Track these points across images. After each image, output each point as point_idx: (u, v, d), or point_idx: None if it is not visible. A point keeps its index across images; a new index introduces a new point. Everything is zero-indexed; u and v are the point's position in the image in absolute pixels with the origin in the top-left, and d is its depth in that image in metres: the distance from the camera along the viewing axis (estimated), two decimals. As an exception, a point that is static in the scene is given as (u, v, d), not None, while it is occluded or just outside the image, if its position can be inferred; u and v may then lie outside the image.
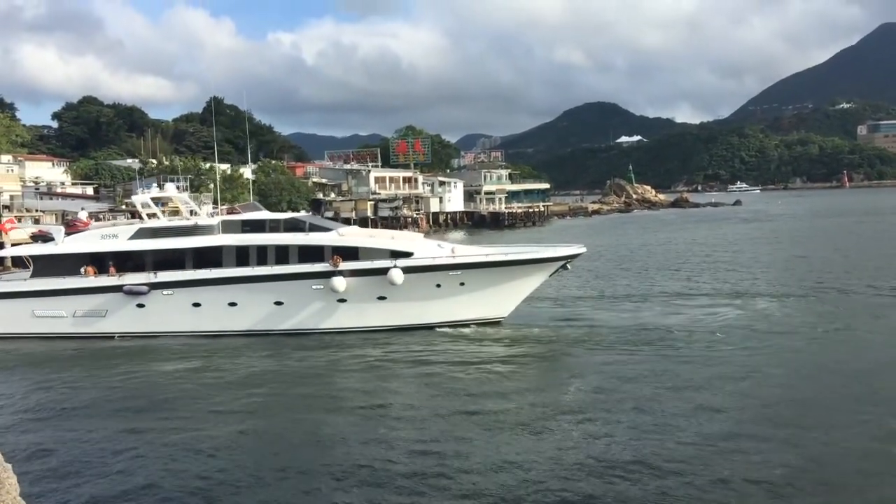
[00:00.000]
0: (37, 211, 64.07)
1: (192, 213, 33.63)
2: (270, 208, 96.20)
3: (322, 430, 18.49)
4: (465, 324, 29.89)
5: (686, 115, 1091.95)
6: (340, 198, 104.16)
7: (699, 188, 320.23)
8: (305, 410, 20.30)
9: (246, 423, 19.22)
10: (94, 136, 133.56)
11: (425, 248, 30.30)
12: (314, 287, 29.30)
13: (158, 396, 22.04)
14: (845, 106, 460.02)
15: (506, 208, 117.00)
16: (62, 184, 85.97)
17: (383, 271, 28.80)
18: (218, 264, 30.03)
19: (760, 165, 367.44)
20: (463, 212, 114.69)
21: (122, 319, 30.31)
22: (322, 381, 23.53)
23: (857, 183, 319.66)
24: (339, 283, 28.67)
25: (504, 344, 27.80)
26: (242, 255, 29.95)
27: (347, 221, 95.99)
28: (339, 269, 28.93)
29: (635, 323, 30.07)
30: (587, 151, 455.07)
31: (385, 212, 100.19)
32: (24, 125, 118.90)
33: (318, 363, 25.71)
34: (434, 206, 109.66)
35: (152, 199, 33.75)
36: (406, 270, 28.74)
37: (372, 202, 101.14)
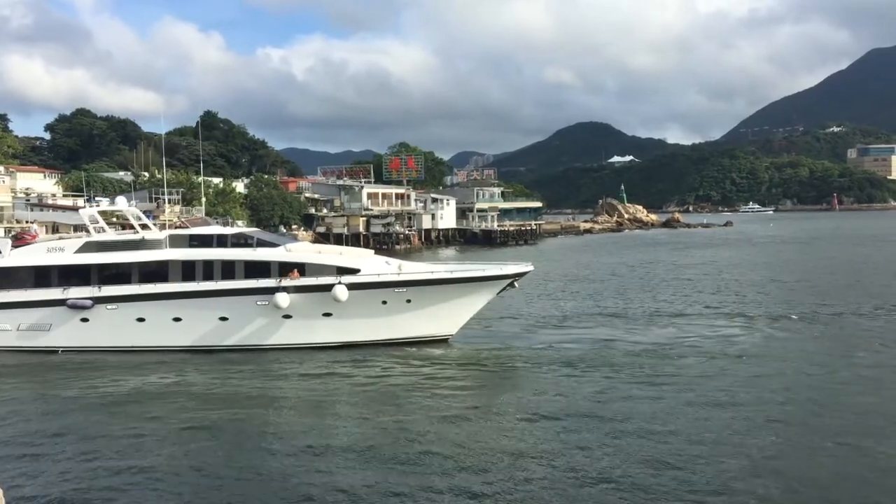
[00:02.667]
0: (27, 222, 63.68)
1: (143, 226, 32.94)
2: (262, 223, 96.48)
3: (261, 450, 18.10)
4: (411, 341, 29.80)
5: (677, 136, 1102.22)
6: (333, 213, 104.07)
7: (690, 208, 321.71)
8: (245, 429, 19.91)
9: (186, 442, 18.84)
10: (86, 149, 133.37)
11: (373, 265, 30.18)
12: (259, 303, 29.17)
13: (92, 415, 21.62)
14: (835, 129, 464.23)
15: (498, 226, 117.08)
16: (53, 195, 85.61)
17: (328, 287, 28.68)
18: (164, 279, 29.77)
19: (751, 187, 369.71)
20: (455, 229, 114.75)
21: (66, 333, 29.92)
22: (262, 399, 23.07)
23: (847, 206, 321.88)
24: (283, 299, 28.55)
25: (450, 362, 27.67)
26: (188, 270, 29.72)
27: (340, 237, 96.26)
28: (282, 285, 28.82)
29: (588, 343, 30.12)
30: (579, 171, 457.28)
31: (377, 228, 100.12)
32: (16, 136, 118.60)
33: (259, 380, 25.33)
34: (426, 222, 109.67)
35: (98, 212, 33.01)
36: (351, 287, 28.65)
37: (364, 218, 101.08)
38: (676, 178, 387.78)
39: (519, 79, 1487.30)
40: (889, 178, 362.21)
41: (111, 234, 31.92)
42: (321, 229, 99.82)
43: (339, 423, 20.37)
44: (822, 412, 20.34)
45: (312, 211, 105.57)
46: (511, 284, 30.84)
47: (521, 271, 31.03)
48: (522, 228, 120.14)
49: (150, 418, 21.00)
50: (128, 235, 31.75)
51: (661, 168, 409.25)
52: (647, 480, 15.59)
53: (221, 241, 30.45)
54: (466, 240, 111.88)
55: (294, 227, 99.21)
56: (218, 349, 29.44)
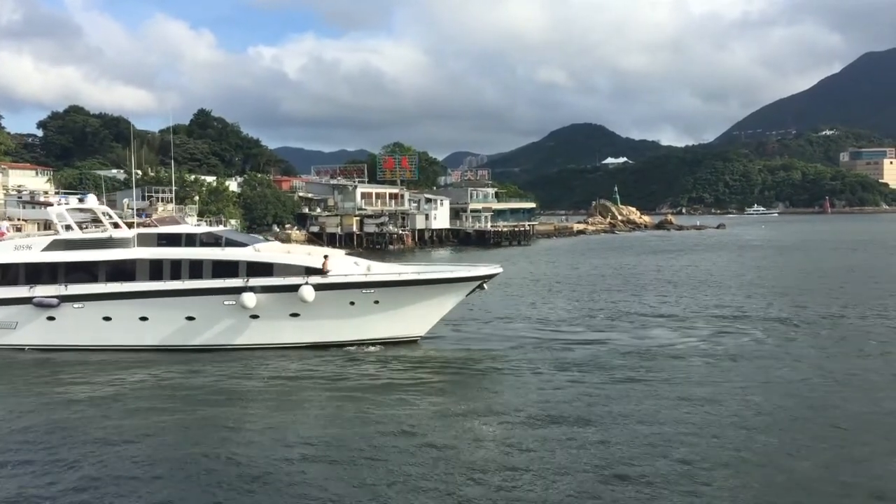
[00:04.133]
0: (19, 220, 63.46)
1: (115, 225, 32.63)
2: (255, 221, 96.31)
3: (228, 452, 17.93)
4: (379, 342, 29.79)
5: (670, 138, 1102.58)
6: (326, 213, 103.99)
7: (683, 210, 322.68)
8: (212, 431, 19.74)
9: (152, 443, 18.71)
10: (79, 146, 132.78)
11: (341, 266, 30.22)
12: (226, 303, 29.06)
13: (59, 413, 21.53)
14: (828, 133, 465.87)
15: (492, 227, 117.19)
16: (46, 193, 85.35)
17: (294, 288, 28.61)
18: (132, 278, 29.70)
19: (744, 190, 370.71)
20: (449, 229, 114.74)
21: (32, 332, 29.80)
22: (228, 400, 22.83)
23: (839, 209, 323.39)
24: (249, 299, 28.47)
25: (417, 364, 27.62)
26: (156, 269, 29.65)
27: (333, 237, 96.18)
28: (249, 285, 28.77)
29: (562, 345, 30.05)
30: (573, 172, 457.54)
31: (371, 228, 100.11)
32: (8, 133, 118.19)
33: (225, 381, 25.15)
34: (420, 223, 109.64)
35: (68, 210, 32.87)
36: (318, 287, 28.59)
37: (358, 218, 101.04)
38: (670, 180, 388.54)
39: (512, 78, 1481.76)
40: (881, 181, 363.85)
41: (79, 233, 31.81)
42: (315, 229, 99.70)
43: (305, 426, 20.20)
44: (811, 415, 20.47)
45: (306, 210, 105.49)
46: (480, 286, 30.92)
47: (491, 273, 31.09)
48: (516, 229, 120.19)
49: (114, 418, 20.90)
50: (96, 234, 31.64)
51: (655, 170, 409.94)
52: (627, 483, 15.62)
53: (190, 240, 30.39)
54: (460, 240, 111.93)
55: (287, 226, 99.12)
56: (184, 349, 29.29)
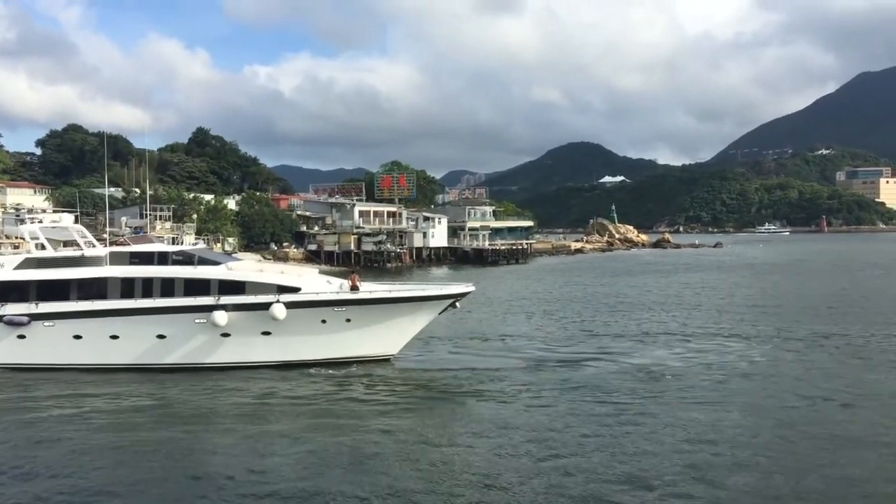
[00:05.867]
0: (17, 238, 63.39)
1: (88, 244, 32.34)
2: (254, 240, 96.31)
3: (195, 476, 17.70)
4: (351, 361, 29.71)
5: (667, 157, 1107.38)
6: (324, 231, 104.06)
7: (681, 229, 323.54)
8: (177, 454, 19.43)
9: (115, 466, 18.47)
10: (77, 164, 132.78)
11: (314, 284, 30.23)
12: (197, 321, 28.92)
13: (26, 433, 21.37)
14: (824, 152, 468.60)
15: (489, 245, 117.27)
16: (43, 211, 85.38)
17: (265, 306, 28.56)
18: (103, 296, 29.59)
19: (741, 208, 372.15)
20: (447, 247, 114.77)
21: (1, 351, 29.61)
22: (196, 421, 22.55)
23: (836, 228, 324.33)
24: (220, 317, 28.41)
25: (389, 383, 27.49)
26: (127, 288, 29.56)
27: (331, 255, 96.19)
28: (220, 303, 28.67)
29: (532, 365, 29.79)
30: (571, 190, 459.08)
31: (369, 246, 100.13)
32: (6, 151, 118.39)
33: (195, 401, 24.90)
34: (418, 241, 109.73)
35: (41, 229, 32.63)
36: (290, 305, 28.55)
37: (356, 236, 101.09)
38: (667, 199, 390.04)
39: (507, 97, 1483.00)
40: (877, 200, 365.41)
41: (51, 251, 31.69)
42: (312, 247, 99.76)
43: (276, 447, 19.93)
44: (808, 434, 20.37)
45: (304, 228, 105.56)
46: (452, 305, 30.95)
47: (462, 291, 31.12)
48: (514, 247, 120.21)
49: (82, 439, 20.68)
50: (68, 252, 31.52)
51: (652, 189, 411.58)
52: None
53: (162, 258, 30.38)
54: (458, 258, 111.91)
55: (285, 244, 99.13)
56: (155, 368, 29.10)
